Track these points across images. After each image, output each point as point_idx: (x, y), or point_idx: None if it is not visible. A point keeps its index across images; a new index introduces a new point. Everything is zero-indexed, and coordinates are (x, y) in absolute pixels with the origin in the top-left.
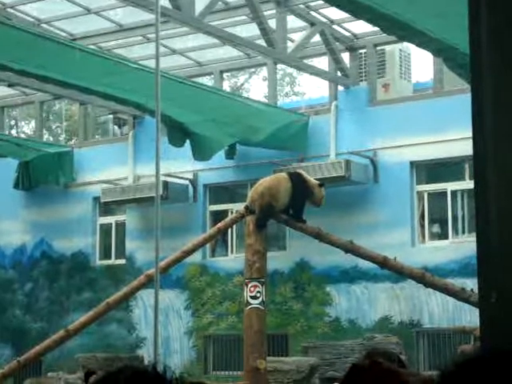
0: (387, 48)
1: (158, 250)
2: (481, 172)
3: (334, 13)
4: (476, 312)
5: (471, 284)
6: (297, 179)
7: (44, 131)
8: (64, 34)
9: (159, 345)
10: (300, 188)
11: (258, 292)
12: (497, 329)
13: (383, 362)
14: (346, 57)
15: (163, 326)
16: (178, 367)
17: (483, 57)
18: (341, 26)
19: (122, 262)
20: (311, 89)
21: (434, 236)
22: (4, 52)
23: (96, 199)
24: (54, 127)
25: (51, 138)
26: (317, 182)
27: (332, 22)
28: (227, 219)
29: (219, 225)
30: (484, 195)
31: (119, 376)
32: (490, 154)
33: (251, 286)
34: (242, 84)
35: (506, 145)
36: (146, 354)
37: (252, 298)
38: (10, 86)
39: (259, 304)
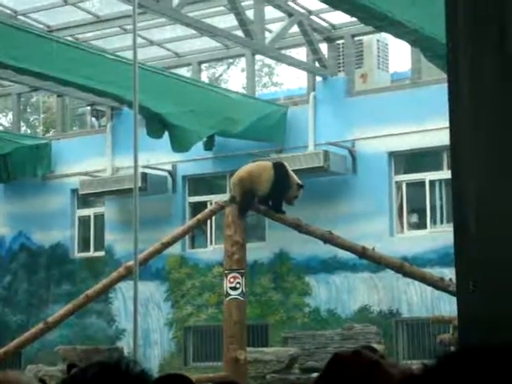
0: (365, 38)
1: (136, 242)
2: (457, 161)
3: (312, 3)
4: (455, 301)
5: (449, 273)
6: (280, 170)
7: (21, 123)
8: (41, 26)
9: (139, 336)
10: (282, 179)
11: (238, 283)
12: (474, 318)
13: (365, 352)
14: (324, 47)
15: (143, 317)
16: (157, 358)
17: (460, 46)
18: (319, 17)
19: (101, 254)
20: (290, 79)
21: (412, 226)
22: None
23: (74, 191)
24: (31, 119)
25: (29, 130)
26: (298, 180)
27: (310, 12)
28: (206, 210)
29: (198, 216)
30: (461, 185)
31: (87, 372)
32: (466, 143)
33: (231, 277)
34: (221, 75)
35: (482, 133)
36: (125, 345)
37: (232, 288)
38: None
39: (239, 295)
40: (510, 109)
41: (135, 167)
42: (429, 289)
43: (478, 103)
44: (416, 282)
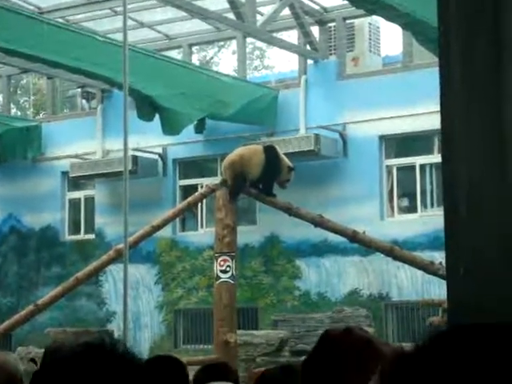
0: (356, 22)
1: (126, 225)
2: (448, 146)
3: None
4: (444, 285)
5: (440, 257)
6: (271, 153)
7: (12, 105)
8: (31, 8)
9: (129, 319)
10: (272, 162)
11: (228, 266)
12: (464, 302)
13: (356, 330)
14: (315, 30)
15: (133, 300)
16: (148, 341)
17: (451, 30)
18: (310, 0)
19: (92, 236)
20: (281, 63)
21: (402, 210)
22: None
23: (64, 174)
24: (21, 101)
25: (19, 113)
26: (289, 163)
27: None
28: (197, 193)
29: (189, 199)
30: (452, 169)
31: (70, 352)
32: (457, 127)
33: (221, 260)
34: (211, 58)
35: (473, 117)
36: (116, 328)
37: (222, 272)
38: None
39: (229, 278)
40: (502, 92)
41: (125, 150)
42: (419, 272)
43: (470, 87)
44: (406, 266)
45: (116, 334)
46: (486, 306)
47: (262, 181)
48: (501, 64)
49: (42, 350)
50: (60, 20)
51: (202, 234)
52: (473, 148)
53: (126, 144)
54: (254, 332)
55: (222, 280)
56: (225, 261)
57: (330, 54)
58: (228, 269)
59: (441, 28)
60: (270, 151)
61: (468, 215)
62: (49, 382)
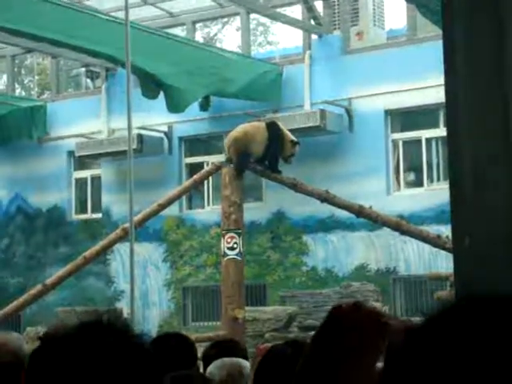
0: None
1: (131, 203)
2: (453, 119)
3: None
4: (452, 259)
5: (446, 231)
6: (273, 129)
7: (16, 85)
8: None
9: (137, 298)
10: (276, 138)
11: (235, 243)
12: (470, 273)
13: (364, 305)
14: (319, 5)
15: (141, 278)
16: (157, 319)
17: (454, 2)
18: None
19: (98, 216)
20: (285, 38)
21: (409, 184)
22: None
23: (70, 153)
24: (26, 81)
25: (23, 93)
26: (292, 137)
27: None
28: (203, 171)
29: (195, 177)
30: (456, 140)
31: (67, 328)
32: (461, 98)
33: (228, 237)
34: (215, 34)
35: (477, 91)
36: (124, 306)
37: (229, 249)
38: None
39: (236, 255)
40: (505, 65)
41: (129, 128)
42: (426, 246)
43: (473, 61)
44: (413, 240)
45: (125, 313)
46: (492, 277)
47: (267, 157)
48: (503, 38)
49: None
50: None
51: (209, 212)
52: (478, 121)
53: (129, 122)
54: (263, 308)
55: (229, 257)
56: (232, 238)
57: (334, 29)
58: (235, 246)
59: (444, 0)
60: (271, 127)
61: (473, 186)
62: (44, 361)
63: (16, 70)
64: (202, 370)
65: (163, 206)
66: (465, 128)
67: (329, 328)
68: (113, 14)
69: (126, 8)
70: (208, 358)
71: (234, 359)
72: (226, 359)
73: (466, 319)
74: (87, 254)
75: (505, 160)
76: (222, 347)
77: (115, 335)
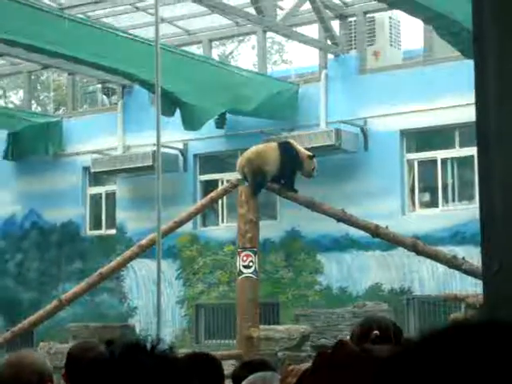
0: (377, 16)
1: (160, 220)
2: (483, 137)
3: None
4: (466, 279)
5: (461, 252)
6: (286, 148)
7: (32, 101)
8: (53, 4)
9: (151, 314)
10: (289, 157)
11: (251, 261)
12: (500, 298)
13: (348, 344)
14: (335, 25)
15: (154, 295)
16: (169, 336)
17: (485, 24)
18: None
19: (113, 232)
20: (300, 57)
21: (424, 204)
22: None
23: (86, 169)
24: (42, 97)
25: (39, 108)
26: (307, 152)
27: None
28: (219, 189)
29: (212, 194)
30: (487, 160)
31: (112, 352)
32: (492, 117)
33: (244, 256)
34: (231, 52)
35: (509, 108)
36: (137, 323)
37: (245, 267)
38: None
39: (252, 273)
40: None
41: (157, 146)
42: (440, 267)
43: (504, 79)
44: (427, 260)
45: (138, 329)
46: None
47: (283, 176)
48: None
49: (64, 346)
50: (81, 16)
51: (223, 229)
52: (508, 139)
53: (158, 139)
54: (276, 327)
55: (244, 275)
56: (247, 256)
57: (351, 49)
58: (251, 264)
59: (475, 21)
60: (284, 147)
61: (504, 209)
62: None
63: (32, 85)
64: None
65: (180, 223)
66: (496, 146)
67: (316, 372)
68: (130, 31)
69: (157, 29)
70: (238, 379)
71: (266, 373)
72: (258, 373)
73: (446, 348)
74: (103, 270)
75: None
76: (252, 367)
77: (157, 359)
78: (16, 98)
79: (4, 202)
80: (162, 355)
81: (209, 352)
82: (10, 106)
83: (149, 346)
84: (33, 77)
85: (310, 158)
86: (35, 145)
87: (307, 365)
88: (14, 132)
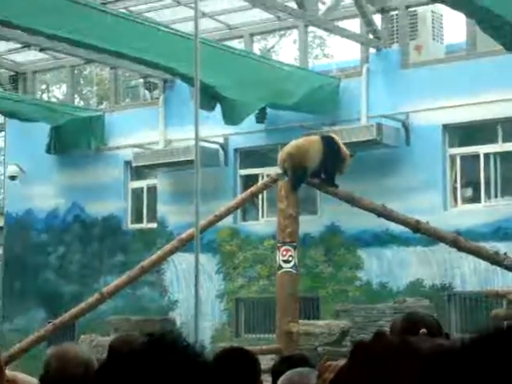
0: (419, 10)
1: (198, 214)
2: None
3: None
4: (508, 275)
5: (503, 247)
6: (329, 143)
7: (75, 95)
8: None
9: (190, 307)
10: (332, 152)
11: (291, 256)
12: None
13: (387, 336)
14: (377, 19)
15: (194, 289)
16: (209, 330)
17: None
18: None
19: (154, 225)
20: (341, 51)
21: (466, 200)
22: (35, 17)
23: (127, 163)
24: (84, 91)
25: (82, 103)
26: (347, 151)
27: None
28: (259, 183)
29: (252, 189)
30: None
31: (132, 348)
32: None
33: (283, 250)
34: (272, 47)
35: None
36: (177, 316)
37: (284, 261)
38: (41, 50)
39: (291, 268)
40: None
41: (196, 140)
42: (482, 263)
43: None
44: (469, 256)
45: (178, 323)
46: None
47: (323, 171)
48: None
49: (105, 338)
50: (123, 11)
51: (263, 224)
52: None
53: (197, 134)
54: (316, 322)
55: (284, 270)
56: (287, 251)
57: (393, 43)
58: (290, 258)
59: None
60: (328, 141)
61: None
62: (110, 380)
63: (75, 80)
64: None
65: (220, 217)
66: None
67: (353, 364)
68: (172, 25)
69: (196, 23)
70: (277, 374)
71: (304, 369)
72: (297, 369)
73: (499, 351)
74: (145, 263)
75: None
76: (292, 362)
77: (180, 354)
78: (59, 92)
79: (47, 196)
80: (183, 352)
81: (245, 347)
82: (53, 100)
83: (170, 342)
84: (76, 71)
85: (351, 156)
86: (78, 139)
87: (345, 361)
88: (57, 126)
